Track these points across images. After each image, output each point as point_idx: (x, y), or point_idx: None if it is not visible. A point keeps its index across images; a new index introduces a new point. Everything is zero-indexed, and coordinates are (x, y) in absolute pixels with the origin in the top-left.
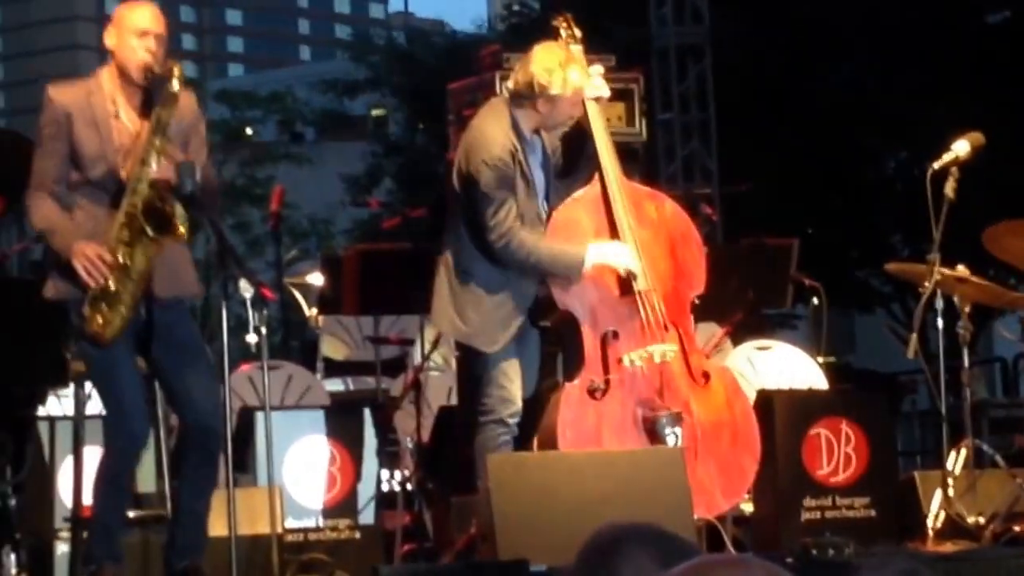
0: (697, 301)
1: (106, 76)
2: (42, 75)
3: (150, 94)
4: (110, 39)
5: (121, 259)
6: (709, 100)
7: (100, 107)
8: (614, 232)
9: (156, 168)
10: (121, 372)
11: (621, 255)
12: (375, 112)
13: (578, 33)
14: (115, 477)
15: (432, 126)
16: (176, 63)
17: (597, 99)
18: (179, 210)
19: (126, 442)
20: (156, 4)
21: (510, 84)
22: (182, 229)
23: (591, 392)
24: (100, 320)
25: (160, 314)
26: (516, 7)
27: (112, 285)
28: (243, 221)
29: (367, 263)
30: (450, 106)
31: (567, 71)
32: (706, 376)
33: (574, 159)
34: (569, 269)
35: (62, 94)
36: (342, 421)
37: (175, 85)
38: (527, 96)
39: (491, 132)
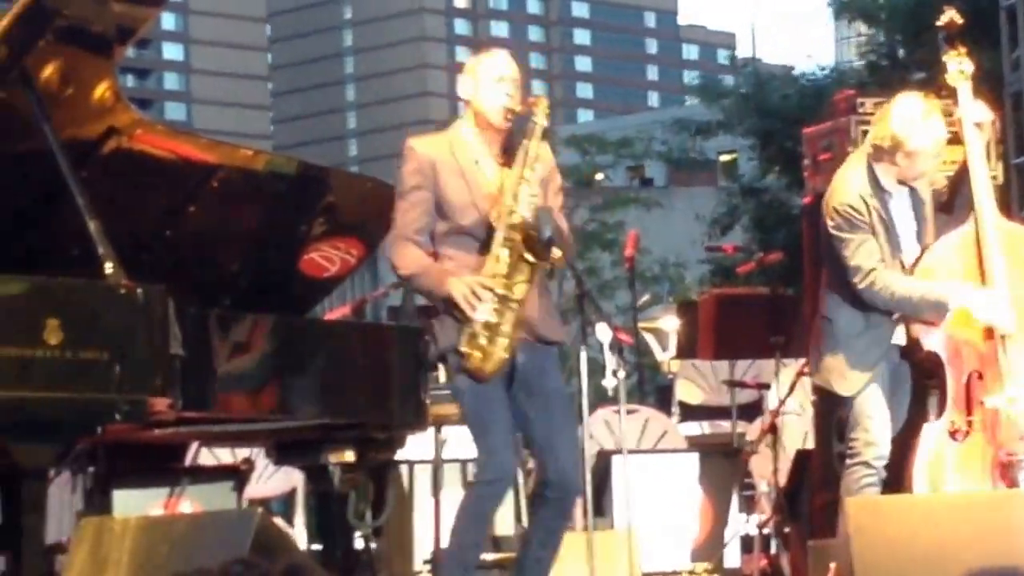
0: None
1: (463, 127)
2: (393, 124)
3: (509, 141)
4: (465, 89)
5: (501, 291)
6: None
7: (463, 156)
8: (984, 273)
9: (529, 196)
10: (493, 409)
11: (984, 306)
12: (724, 157)
13: (968, 67)
14: (478, 513)
15: (785, 169)
16: (542, 97)
17: (978, 124)
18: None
19: (492, 476)
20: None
21: (870, 137)
22: (559, 252)
23: (952, 433)
24: (480, 355)
25: (533, 359)
26: (873, 46)
27: (493, 317)
28: (593, 266)
29: (724, 308)
30: (805, 151)
31: (927, 123)
32: None
33: (957, 193)
34: (933, 310)
35: (424, 145)
36: (701, 465)
37: (542, 118)
38: (886, 150)
39: (845, 180)
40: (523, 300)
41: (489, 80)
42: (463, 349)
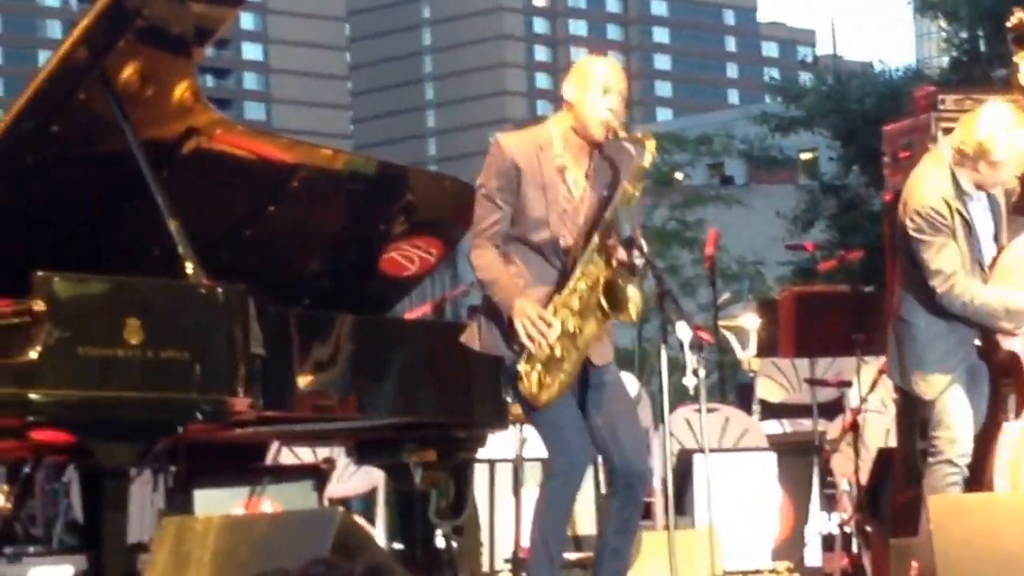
0: None
1: (556, 128)
2: (472, 122)
3: (600, 151)
4: (570, 91)
5: (570, 327)
6: None
7: (548, 166)
8: None
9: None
10: (560, 406)
11: None
12: (804, 155)
13: None
14: (554, 506)
15: (866, 167)
16: (650, 136)
17: None
18: (634, 293)
19: (560, 470)
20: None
21: (954, 140)
22: (633, 314)
23: None
24: (536, 382)
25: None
26: (955, 42)
27: (557, 351)
28: (673, 264)
29: (804, 306)
30: (885, 148)
31: (1012, 135)
32: None
33: None
34: (1010, 320)
35: (512, 145)
36: (783, 464)
37: (647, 160)
38: (969, 157)
39: (925, 181)
40: (589, 342)
41: (596, 89)
42: (520, 368)
